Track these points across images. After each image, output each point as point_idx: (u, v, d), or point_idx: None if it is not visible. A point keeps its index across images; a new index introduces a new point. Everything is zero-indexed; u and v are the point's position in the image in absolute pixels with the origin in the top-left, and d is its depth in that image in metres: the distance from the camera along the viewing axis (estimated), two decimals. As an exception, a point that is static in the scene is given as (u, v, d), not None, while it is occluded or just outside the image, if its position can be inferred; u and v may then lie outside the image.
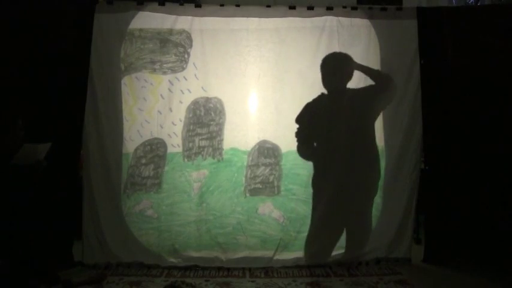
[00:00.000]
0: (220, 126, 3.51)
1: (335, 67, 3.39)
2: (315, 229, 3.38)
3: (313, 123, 3.40)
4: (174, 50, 3.49)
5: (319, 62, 3.43)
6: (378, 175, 3.40)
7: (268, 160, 3.49)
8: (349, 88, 3.41)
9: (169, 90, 3.48)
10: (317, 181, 3.41)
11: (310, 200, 3.44)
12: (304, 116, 3.41)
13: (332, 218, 3.36)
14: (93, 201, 3.33)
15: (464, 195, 3.39)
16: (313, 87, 3.42)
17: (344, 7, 3.49)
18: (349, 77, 3.39)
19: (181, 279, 3.03)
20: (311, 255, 3.36)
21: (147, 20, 3.45)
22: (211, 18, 3.47)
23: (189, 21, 3.47)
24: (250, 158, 3.51)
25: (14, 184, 2.79)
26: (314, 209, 3.40)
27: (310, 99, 3.42)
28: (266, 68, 3.50)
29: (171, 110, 3.48)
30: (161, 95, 3.48)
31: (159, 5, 3.41)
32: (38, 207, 2.95)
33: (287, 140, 3.47)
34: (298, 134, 3.41)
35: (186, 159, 3.50)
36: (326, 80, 3.38)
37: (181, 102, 3.49)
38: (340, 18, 3.51)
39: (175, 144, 3.51)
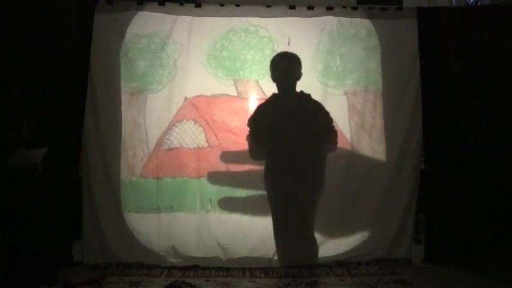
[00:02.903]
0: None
1: (287, 68, 3.34)
2: (276, 229, 3.33)
3: (265, 123, 3.34)
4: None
5: (319, 61, 3.45)
6: (320, 184, 3.33)
7: None
8: (302, 91, 3.36)
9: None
10: (268, 179, 3.33)
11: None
12: (256, 119, 3.35)
13: (286, 218, 3.30)
14: (93, 201, 3.33)
15: (464, 195, 3.39)
16: (314, 87, 3.42)
17: (344, 7, 3.49)
18: (298, 77, 3.35)
19: (181, 279, 3.02)
20: (280, 255, 3.34)
21: (147, 19, 3.45)
22: (212, 19, 3.45)
23: (189, 21, 3.46)
24: None
25: (11, 186, 2.78)
26: (272, 208, 3.34)
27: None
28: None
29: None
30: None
31: (159, 4, 3.41)
32: (38, 207, 2.94)
33: None
34: (250, 137, 3.33)
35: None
36: (278, 80, 3.34)
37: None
38: (340, 18, 3.51)
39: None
